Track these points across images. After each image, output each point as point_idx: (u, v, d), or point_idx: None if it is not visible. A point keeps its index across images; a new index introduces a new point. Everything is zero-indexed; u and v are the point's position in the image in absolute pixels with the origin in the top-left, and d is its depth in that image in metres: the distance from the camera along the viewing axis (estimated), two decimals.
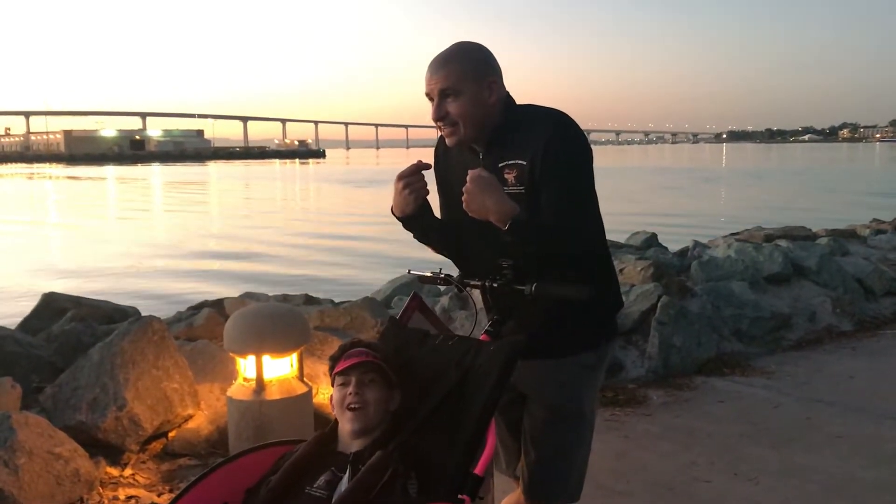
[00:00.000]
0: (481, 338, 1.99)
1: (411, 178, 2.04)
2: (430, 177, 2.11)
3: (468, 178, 1.93)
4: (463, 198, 1.94)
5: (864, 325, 6.00)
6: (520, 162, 1.97)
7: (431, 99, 2.02)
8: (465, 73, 1.98)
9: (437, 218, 2.20)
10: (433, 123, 2.05)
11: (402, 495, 1.65)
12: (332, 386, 1.87)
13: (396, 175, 2.05)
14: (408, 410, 1.85)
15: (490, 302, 2.14)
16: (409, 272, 2.37)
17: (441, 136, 2.20)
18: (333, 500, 1.67)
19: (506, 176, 1.99)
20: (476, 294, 2.16)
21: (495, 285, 2.02)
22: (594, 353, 2.16)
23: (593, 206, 2.08)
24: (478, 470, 1.69)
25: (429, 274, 2.22)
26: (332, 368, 1.88)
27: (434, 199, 2.21)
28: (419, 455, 1.75)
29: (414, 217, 2.10)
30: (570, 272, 1.98)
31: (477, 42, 2.05)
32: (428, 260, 2.34)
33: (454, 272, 2.23)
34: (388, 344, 2.03)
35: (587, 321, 2.11)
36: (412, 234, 2.19)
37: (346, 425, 1.79)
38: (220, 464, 1.87)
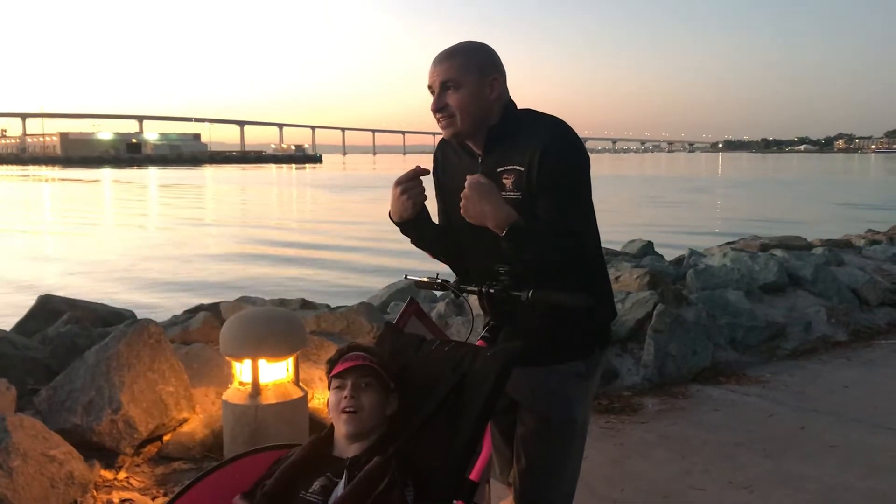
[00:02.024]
0: (478, 343, 1.99)
1: (409, 184, 2.05)
2: (427, 182, 2.11)
3: (466, 184, 1.93)
4: (461, 203, 1.94)
5: (859, 335, 6.01)
6: (517, 168, 1.98)
7: (433, 91, 2.02)
8: (468, 67, 1.98)
9: (434, 223, 2.20)
10: (433, 117, 2.05)
11: (398, 503, 1.65)
12: (329, 390, 1.86)
13: (395, 180, 2.06)
14: (404, 415, 1.85)
15: (487, 308, 2.15)
16: (405, 277, 2.37)
17: (440, 142, 2.20)
18: None
19: (503, 181, 1.99)
20: (473, 300, 2.17)
21: (492, 291, 2.02)
22: (586, 361, 2.16)
23: (590, 214, 2.09)
24: (473, 475, 1.69)
25: (426, 279, 2.22)
26: (328, 372, 1.88)
27: (432, 205, 2.21)
28: (416, 461, 1.75)
29: (411, 222, 2.10)
30: (566, 279, 1.98)
31: (483, 42, 2.06)
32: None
33: (451, 277, 2.23)
34: (384, 348, 2.03)
35: (580, 329, 2.12)
36: (410, 240, 2.19)
37: (341, 428, 1.79)
38: (215, 467, 1.87)
